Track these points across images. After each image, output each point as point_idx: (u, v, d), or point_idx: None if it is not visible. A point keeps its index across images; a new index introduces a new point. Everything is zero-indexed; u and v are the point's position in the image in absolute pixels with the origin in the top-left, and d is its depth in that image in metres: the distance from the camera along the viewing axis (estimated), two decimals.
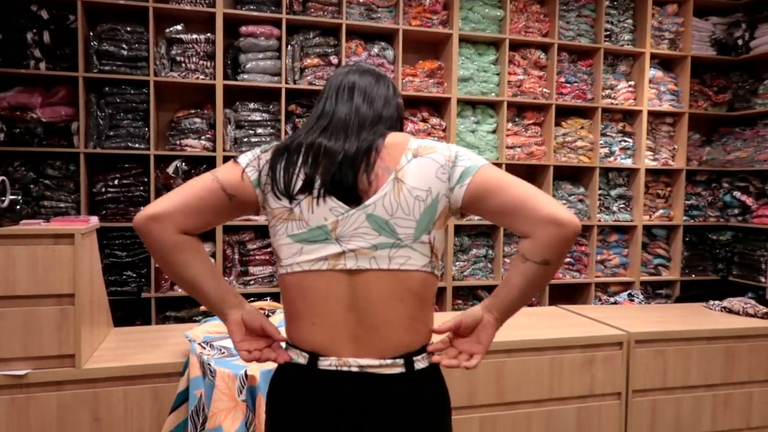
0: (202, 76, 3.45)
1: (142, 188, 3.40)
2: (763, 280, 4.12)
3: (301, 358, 1.16)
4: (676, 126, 4.39)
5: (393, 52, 3.74)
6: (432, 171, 1.14)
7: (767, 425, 2.44)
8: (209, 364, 1.67)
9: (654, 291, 4.41)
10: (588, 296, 4.16)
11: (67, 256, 1.74)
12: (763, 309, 2.56)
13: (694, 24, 4.30)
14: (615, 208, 4.25)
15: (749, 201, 4.29)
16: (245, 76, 3.50)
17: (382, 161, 1.15)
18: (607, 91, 4.19)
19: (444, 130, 3.86)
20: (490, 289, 3.99)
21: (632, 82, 4.24)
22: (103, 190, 3.35)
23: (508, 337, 2.14)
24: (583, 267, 4.18)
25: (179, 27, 3.42)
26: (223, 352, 1.78)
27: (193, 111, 3.51)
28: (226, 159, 3.45)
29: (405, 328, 1.15)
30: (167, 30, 3.41)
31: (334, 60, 3.63)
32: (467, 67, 3.87)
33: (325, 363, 1.14)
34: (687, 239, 4.42)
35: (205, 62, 3.45)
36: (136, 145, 3.35)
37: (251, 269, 3.58)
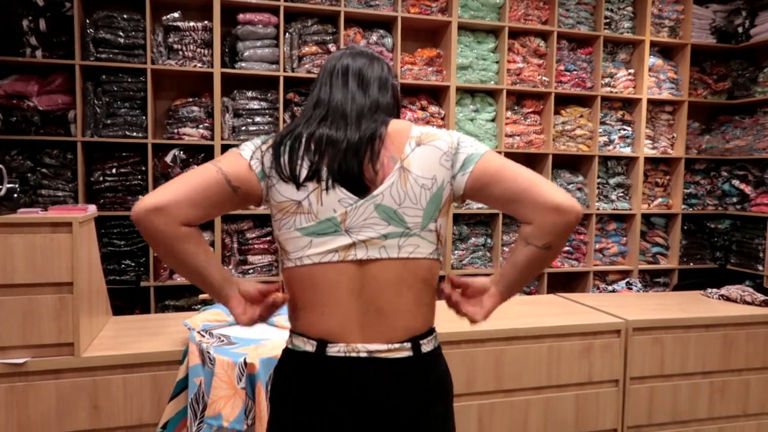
0: (199, 64, 3.43)
1: (140, 177, 3.39)
2: (760, 268, 4.13)
3: (309, 346, 1.16)
4: (676, 114, 4.38)
5: (392, 39, 3.72)
6: (436, 158, 1.15)
7: (764, 412, 2.46)
8: (208, 352, 1.68)
9: (652, 279, 4.42)
10: (586, 284, 4.17)
11: (66, 245, 1.73)
12: (760, 297, 2.57)
13: (695, 11, 4.28)
14: (614, 197, 4.25)
15: (748, 189, 4.29)
16: (243, 64, 3.48)
17: (386, 150, 1.14)
18: (607, 80, 4.17)
19: (443, 119, 3.84)
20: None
21: (632, 70, 4.22)
22: (101, 179, 3.34)
23: (506, 325, 2.14)
24: (582, 255, 4.18)
25: (176, 14, 3.40)
26: (222, 340, 1.79)
27: (190, 99, 3.50)
28: (224, 148, 3.44)
29: (412, 312, 1.16)
30: (164, 17, 3.39)
31: (332, 48, 3.61)
32: (466, 55, 3.85)
33: (334, 349, 1.14)
34: (685, 228, 4.43)
35: (202, 50, 3.43)
36: (134, 134, 3.34)
37: (250, 258, 3.58)
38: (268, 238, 3.62)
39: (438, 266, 1.22)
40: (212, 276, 1.17)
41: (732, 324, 2.39)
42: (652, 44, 4.23)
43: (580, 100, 4.20)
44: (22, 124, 3.20)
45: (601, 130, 4.16)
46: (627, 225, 4.33)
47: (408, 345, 1.16)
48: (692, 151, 4.46)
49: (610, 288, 3.89)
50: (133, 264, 3.38)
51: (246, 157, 1.16)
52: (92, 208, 1.97)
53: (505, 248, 4.00)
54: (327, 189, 1.12)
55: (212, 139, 3.46)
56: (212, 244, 3.46)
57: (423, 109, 3.82)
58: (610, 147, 4.21)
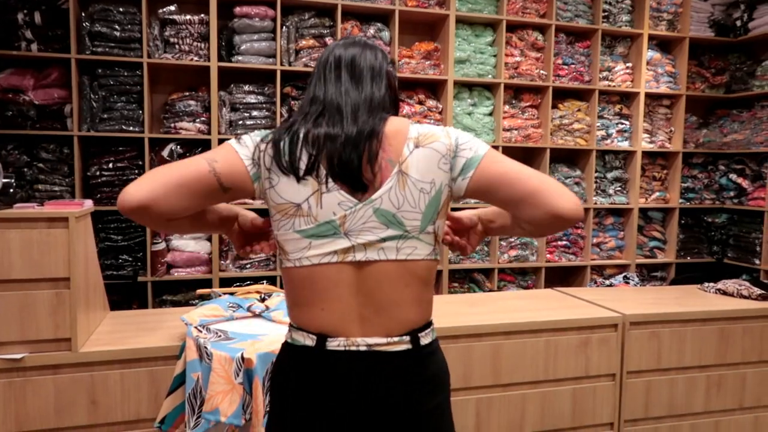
0: (196, 58, 3.41)
1: (136, 172, 3.38)
2: (757, 262, 4.14)
3: (309, 340, 1.16)
4: (673, 108, 4.38)
5: (389, 33, 3.70)
6: (434, 162, 1.15)
7: (760, 406, 2.47)
8: (206, 347, 1.68)
9: (649, 273, 4.43)
10: (584, 279, 4.18)
11: (62, 240, 1.73)
12: (757, 291, 2.58)
13: (693, 5, 4.27)
14: (611, 191, 4.25)
15: (745, 183, 4.30)
16: (240, 58, 3.46)
17: (384, 152, 1.14)
18: (605, 73, 4.16)
19: (440, 113, 3.84)
20: (486, 272, 4.00)
21: (630, 64, 4.21)
22: (98, 173, 3.33)
23: (504, 320, 2.15)
24: (579, 250, 4.19)
25: (172, 8, 3.38)
26: (220, 336, 1.79)
27: (187, 93, 3.48)
28: (221, 142, 3.41)
29: (410, 307, 1.17)
30: (160, 11, 3.37)
31: (329, 41, 3.59)
32: (464, 49, 3.84)
33: (334, 344, 1.15)
34: (682, 222, 4.44)
35: (199, 44, 3.41)
36: (130, 128, 3.33)
37: None
38: None
39: (436, 265, 1.22)
40: (209, 228, 1.28)
41: (729, 318, 2.39)
42: (650, 38, 4.22)
43: (578, 93, 4.20)
44: (18, 118, 3.18)
45: (598, 124, 4.15)
46: (624, 219, 4.33)
47: (407, 338, 1.17)
48: (690, 145, 4.46)
49: (607, 282, 3.91)
50: (130, 259, 3.37)
51: (242, 157, 1.14)
52: (88, 203, 1.97)
53: (502, 243, 4.00)
54: (327, 184, 1.12)
55: (209, 133, 3.45)
56: (209, 239, 3.46)
57: (420, 103, 3.81)
58: (608, 141, 4.21)
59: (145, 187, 1.05)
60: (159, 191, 1.05)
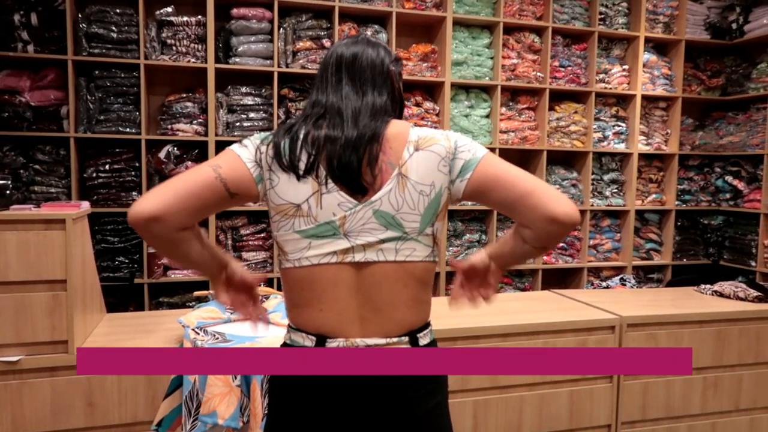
0: (193, 60, 3.41)
1: (133, 173, 3.37)
2: (753, 264, 4.16)
3: (308, 341, 1.17)
4: (670, 110, 4.39)
5: (386, 35, 3.71)
6: (434, 164, 1.15)
7: (756, 407, 2.48)
8: None
9: (646, 275, 4.45)
10: (580, 281, 4.18)
11: (59, 242, 1.72)
12: (753, 293, 2.59)
13: (689, 7, 4.28)
14: (608, 193, 4.26)
15: (741, 185, 4.31)
16: (237, 60, 3.46)
17: (384, 155, 1.14)
18: (601, 75, 4.17)
19: (437, 115, 3.84)
20: None
21: (626, 66, 4.23)
22: (94, 175, 3.32)
23: (501, 322, 2.15)
24: (576, 252, 4.20)
25: (169, 9, 3.37)
26: (217, 338, 1.78)
27: (184, 95, 3.48)
28: (218, 143, 3.42)
29: (408, 308, 1.18)
30: (157, 12, 3.37)
31: (326, 43, 3.59)
32: (461, 51, 3.84)
33: (333, 344, 1.15)
34: (679, 224, 4.45)
35: (196, 45, 3.41)
36: (127, 130, 3.32)
37: (244, 255, 3.57)
38: (262, 235, 3.61)
39: (434, 267, 1.23)
40: (205, 267, 1.21)
41: (725, 320, 2.40)
42: (647, 40, 4.23)
43: (575, 96, 4.21)
44: (14, 119, 3.17)
45: (595, 126, 4.16)
46: (621, 221, 4.34)
47: (405, 339, 1.17)
48: (686, 147, 4.48)
49: (604, 284, 3.91)
50: (126, 261, 3.36)
51: (245, 160, 1.15)
52: (85, 205, 1.96)
53: None
54: (326, 185, 1.12)
55: (206, 135, 3.44)
56: None
57: (418, 105, 3.82)
58: (605, 143, 4.22)
59: (156, 199, 1.07)
60: (169, 201, 1.07)
